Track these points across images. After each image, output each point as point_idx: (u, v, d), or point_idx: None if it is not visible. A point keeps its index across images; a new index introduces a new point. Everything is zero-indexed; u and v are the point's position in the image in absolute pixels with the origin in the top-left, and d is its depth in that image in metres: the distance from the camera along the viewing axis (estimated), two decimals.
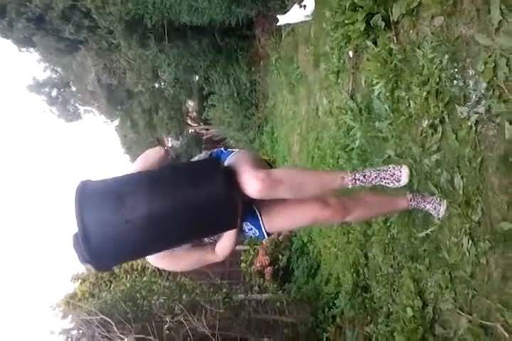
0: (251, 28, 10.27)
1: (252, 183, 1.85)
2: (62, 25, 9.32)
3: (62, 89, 14.07)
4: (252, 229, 2.15)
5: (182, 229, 1.85)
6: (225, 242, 2.06)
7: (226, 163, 2.07)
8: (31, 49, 11.07)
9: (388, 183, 2.18)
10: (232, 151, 2.21)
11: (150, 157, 2.09)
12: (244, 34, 10.59)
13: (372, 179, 2.15)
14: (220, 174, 1.84)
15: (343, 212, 2.14)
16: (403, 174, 2.18)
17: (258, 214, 2.12)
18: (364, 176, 2.13)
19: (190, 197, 1.79)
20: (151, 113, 13.73)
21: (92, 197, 1.76)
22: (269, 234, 2.17)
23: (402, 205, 2.33)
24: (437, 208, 2.28)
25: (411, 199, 2.31)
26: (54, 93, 14.04)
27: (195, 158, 2.27)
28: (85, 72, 12.10)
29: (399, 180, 2.17)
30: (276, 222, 2.15)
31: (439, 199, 2.28)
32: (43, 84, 13.87)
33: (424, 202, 2.31)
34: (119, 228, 1.70)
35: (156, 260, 2.08)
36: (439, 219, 2.31)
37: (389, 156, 2.96)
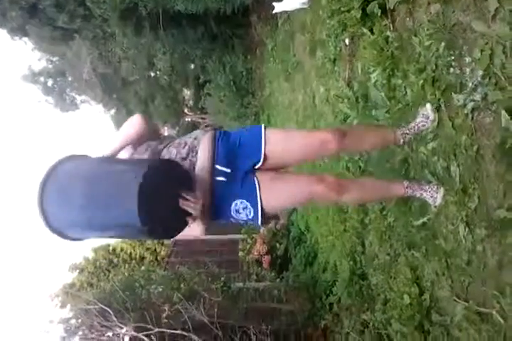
0: (247, 15, 10.21)
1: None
2: (56, 14, 9.24)
3: (57, 79, 13.96)
4: (246, 207, 2.07)
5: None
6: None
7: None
8: (25, 38, 10.97)
9: (424, 125, 2.34)
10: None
11: (124, 133, 2.08)
12: (240, 22, 10.52)
13: (417, 127, 2.34)
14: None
15: (339, 189, 2.10)
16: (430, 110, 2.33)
17: (257, 185, 2.05)
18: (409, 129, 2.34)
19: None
20: (146, 102, 13.66)
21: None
22: (263, 214, 2.07)
23: (398, 192, 2.32)
24: (434, 196, 2.28)
25: (407, 187, 2.29)
26: (50, 83, 13.93)
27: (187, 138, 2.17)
28: (80, 61, 12.00)
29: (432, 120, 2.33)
30: (275, 196, 2.09)
31: (436, 187, 2.28)
32: (38, 73, 13.77)
33: (421, 190, 2.29)
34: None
35: None
36: (435, 207, 2.31)
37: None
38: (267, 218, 2.13)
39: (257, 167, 2.09)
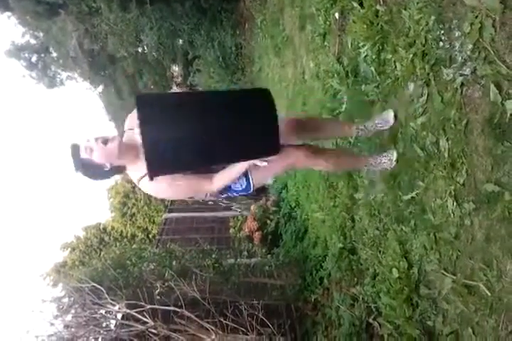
0: None
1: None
2: None
3: (42, 55, 13.67)
4: (241, 177, 2.42)
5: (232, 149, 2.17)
6: (225, 174, 2.33)
7: None
8: (8, 13, 10.71)
9: (381, 127, 2.80)
10: None
11: None
12: None
13: (374, 126, 2.82)
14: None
15: (314, 157, 2.53)
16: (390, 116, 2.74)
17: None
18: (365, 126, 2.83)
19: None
20: (134, 78, 13.46)
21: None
22: (253, 184, 2.46)
23: (362, 162, 2.85)
24: (391, 159, 2.74)
25: (369, 158, 2.82)
26: (34, 58, 13.64)
27: None
28: (66, 37, 11.75)
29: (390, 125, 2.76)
30: (262, 169, 2.42)
31: (390, 152, 2.75)
32: (22, 49, 13.45)
33: (380, 156, 2.78)
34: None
35: (156, 185, 2.22)
36: (391, 168, 2.76)
37: None
38: (257, 186, 2.51)
39: None
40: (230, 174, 2.34)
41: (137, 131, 2.05)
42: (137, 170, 2.28)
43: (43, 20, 11.04)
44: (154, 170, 2.04)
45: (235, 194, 2.55)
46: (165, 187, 2.28)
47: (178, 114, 2.06)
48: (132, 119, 2.33)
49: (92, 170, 2.23)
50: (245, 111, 2.15)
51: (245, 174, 2.42)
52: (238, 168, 2.32)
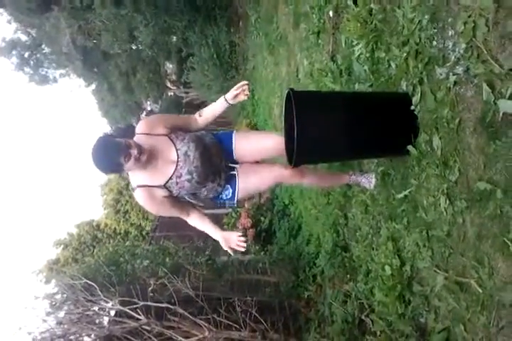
0: None
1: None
2: None
3: (34, 51, 13.59)
4: (228, 189, 2.75)
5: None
6: (199, 225, 2.89)
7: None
8: (0, 9, 10.62)
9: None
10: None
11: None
12: None
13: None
14: None
15: (300, 175, 2.78)
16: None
17: (237, 176, 2.74)
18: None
19: None
20: (128, 75, 13.43)
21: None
22: (238, 195, 2.76)
23: (344, 179, 3.09)
24: (370, 181, 2.99)
25: (351, 175, 3.05)
26: (26, 55, 13.54)
27: None
28: (59, 33, 11.69)
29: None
30: (249, 185, 2.76)
31: (372, 175, 2.98)
32: (14, 45, 13.36)
33: (361, 176, 3.03)
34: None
35: (143, 199, 2.50)
36: (370, 188, 3.01)
37: None
38: (241, 200, 2.93)
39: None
40: (199, 226, 2.87)
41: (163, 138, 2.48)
42: (139, 177, 2.47)
43: (35, 16, 10.98)
44: (299, 159, 2.28)
45: (221, 201, 2.83)
46: (150, 205, 2.52)
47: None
48: (151, 124, 2.53)
49: (115, 168, 2.39)
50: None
51: (232, 185, 2.74)
52: (205, 225, 2.83)
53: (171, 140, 2.52)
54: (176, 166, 2.48)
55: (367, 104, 2.46)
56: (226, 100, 2.64)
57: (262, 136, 2.94)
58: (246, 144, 2.75)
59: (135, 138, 2.45)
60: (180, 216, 2.74)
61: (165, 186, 2.50)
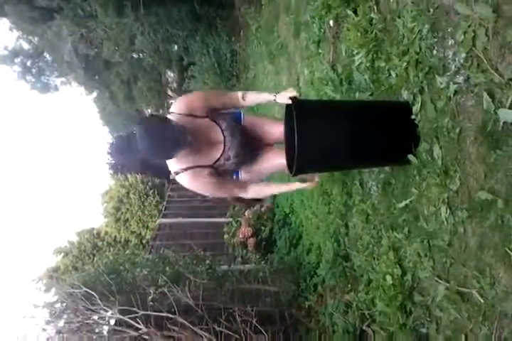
0: None
1: None
2: None
3: (36, 60, 13.65)
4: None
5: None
6: (263, 190, 2.59)
7: None
8: (3, 18, 10.69)
9: None
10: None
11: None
12: (224, 2, 10.38)
13: None
14: None
15: None
16: None
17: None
18: None
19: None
20: (129, 84, 13.46)
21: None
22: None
23: None
24: None
25: None
26: (28, 63, 13.60)
27: None
28: (61, 42, 11.75)
29: None
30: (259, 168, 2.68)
31: None
32: (16, 54, 13.41)
33: None
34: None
35: (192, 180, 2.35)
36: None
37: None
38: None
39: None
40: (266, 190, 2.61)
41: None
42: (182, 160, 2.29)
43: (37, 24, 11.05)
44: (299, 168, 2.25)
45: None
46: (200, 185, 2.39)
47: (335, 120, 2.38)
48: (191, 105, 2.36)
49: (172, 154, 2.19)
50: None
51: (236, 171, 2.62)
52: (273, 188, 2.64)
53: (215, 121, 2.41)
54: (224, 147, 2.40)
55: (367, 113, 2.47)
56: (275, 98, 2.48)
57: (268, 124, 2.77)
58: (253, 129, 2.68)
59: (173, 118, 2.26)
60: (234, 189, 2.54)
61: (212, 166, 2.40)
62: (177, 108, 2.33)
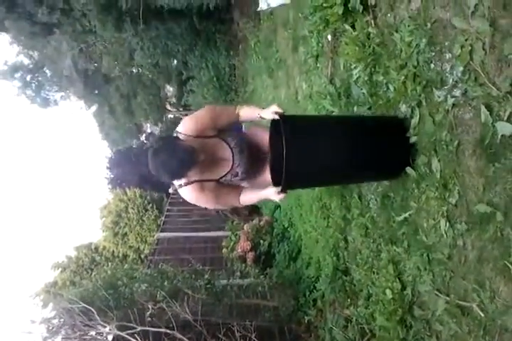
0: (229, 11, 10.16)
1: None
2: (34, 8, 9.09)
3: (36, 74, 13.71)
4: None
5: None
6: (253, 197, 2.54)
7: None
8: (3, 33, 10.76)
9: None
10: None
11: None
12: (223, 17, 10.48)
13: None
14: None
15: None
16: None
17: None
18: None
19: None
20: (129, 98, 13.51)
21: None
22: None
23: None
24: None
25: None
26: (28, 78, 13.66)
27: None
28: (60, 56, 11.82)
29: None
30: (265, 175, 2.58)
31: None
32: (16, 69, 13.48)
33: None
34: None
35: (190, 193, 2.35)
36: None
37: None
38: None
39: None
40: (256, 197, 2.54)
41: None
42: (190, 176, 2.30)
43: (37, 39, 11.13)
44: (288, 184, 2.27)
45: None
46: (204, 197, 2.39)
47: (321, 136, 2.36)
48: (200, 126, 2.35)
49: (183, 174, 2.24)
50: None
51: None
52: (264, 193, 2.45)
53: (223, 139, 2.42)
54: (233, 165, 2.41)
55: (359, 128, 2.49)
56: (259, 115, 2.51)
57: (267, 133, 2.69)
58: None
59: (182, 138, 2.30)
60: (233, 200, 2.54)
61: (218, 181, 2.42)
62: (185, 129, 2.34)
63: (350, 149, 2.37)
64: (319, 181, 2.68)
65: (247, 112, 2.55)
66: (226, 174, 2.42)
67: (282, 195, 2.37)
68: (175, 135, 2.33)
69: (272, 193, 2.41)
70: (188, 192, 2.34)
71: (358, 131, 2.45)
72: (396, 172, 2.45)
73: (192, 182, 2.31)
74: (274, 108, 2.44)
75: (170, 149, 2.18)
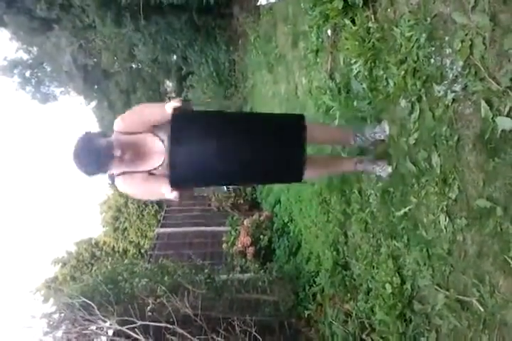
0: (229, 6, 10.11)
1: None
2: (34, 4, 9.05)
3: (35, 70, 13.69)
4: None
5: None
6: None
7: None
8: (2, 28, 10.73)
9: (380, 136, 2.75)
10: None
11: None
12: (223, 12, 10.43)
13: (373, 134, 2.78)
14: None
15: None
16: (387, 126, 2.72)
17: None
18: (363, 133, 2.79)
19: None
20: (128, 93, 13.49)
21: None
22: None
23: (349, 167, 2.90)
24: (384, 169, 2.73)
25: (357, 163, 2.85)
26: (27, 74, 13.64)
27: None
28: (60, 52, 11.80)
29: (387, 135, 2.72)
30: None
31: (385, 162, 2.74)
32: (16, 64, 13.46)
33: (372, 164, 2.80)
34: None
35: (122, 184, 2.47)
36: (384, 177, 2.76)
37: None
38: None
39: None
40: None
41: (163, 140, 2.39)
42: (122, 167, 2.42)
43: (37, 35, 11.09)
44: (176, 184, 2.29)
45: None
46: (133, 187, 2.48)
47: (207, 134, 2.35)
48: (130, 123, 2.47)
49: (99, 170, 2.35)
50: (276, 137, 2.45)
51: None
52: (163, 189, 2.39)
53: (153, 133, 2.48)
54: (165, 157, 2.44)
55: (252, 126, 2.51)
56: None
57: None
58: None
59: (114, 136, 2.43)
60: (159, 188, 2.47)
61: (149, 172, 2.47)
62: (115, 126, 2.49)
63: (232, 150, 2.38)
64: (202, 181, 2.66)
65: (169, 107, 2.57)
66: (158, 166, 2.47)
67: (176, 193, 2.36)
68: (95, 132, 2.48)
69: (166, 191, 2.41)
70: (119, 182, 2.46)
71: (254, 129, 2.46)
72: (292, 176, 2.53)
73: (122, 174, 2.45)
74: (173, 104, 2.48)
75: (85, 148, 2.31)
